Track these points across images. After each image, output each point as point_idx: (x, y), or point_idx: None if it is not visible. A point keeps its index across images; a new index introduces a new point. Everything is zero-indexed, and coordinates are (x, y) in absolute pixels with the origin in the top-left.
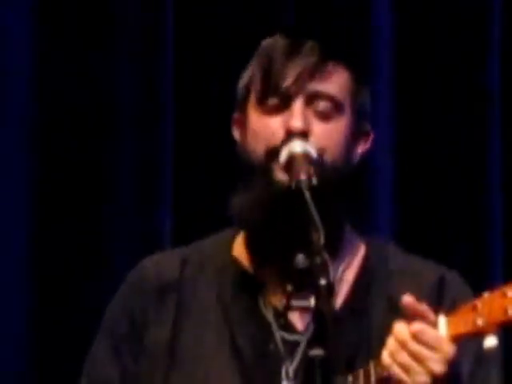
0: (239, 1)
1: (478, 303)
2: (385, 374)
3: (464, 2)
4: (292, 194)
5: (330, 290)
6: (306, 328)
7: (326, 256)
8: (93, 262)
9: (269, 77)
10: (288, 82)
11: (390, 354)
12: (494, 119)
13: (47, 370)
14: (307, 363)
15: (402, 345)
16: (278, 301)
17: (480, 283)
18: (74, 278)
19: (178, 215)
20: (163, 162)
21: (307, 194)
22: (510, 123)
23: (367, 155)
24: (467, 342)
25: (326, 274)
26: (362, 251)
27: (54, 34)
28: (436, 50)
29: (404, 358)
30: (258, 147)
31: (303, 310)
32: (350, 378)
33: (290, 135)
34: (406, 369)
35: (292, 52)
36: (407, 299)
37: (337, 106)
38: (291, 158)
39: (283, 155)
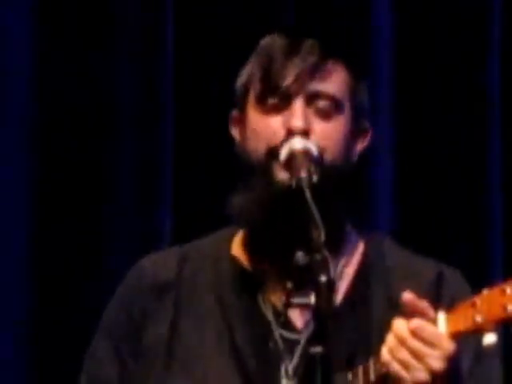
0: (239, 1)
1: (477, 300)
2: (384, 370)
3: (464, 2)
4: (292, 192)
5: (331, 286)
6: (306, 326)
7: (327, 253)
8: (93, 262)
9: (268, 76)
10: (288, 81)
11: (390, 351)
12: (494, 119)
13: (47, 369)
14: (307, 361)
15: (402, 341)
16: (277, 299)
17: (480, 283)
18: (74, 278)
19: (178, 215)
20: (163, 161)
21: (307, 192)
22: (509, 123)
23: (367, 155)
24: (467, 338)
25: (327, 271)
26: (360, 249)
27: (53, 34)
28: (436, 49)
29: (403, 354)
30: (258, 147)
31: (303, 307)
32: (350, 375)
33: (290, 133)
34: (405, 365)
35: (291, 51)
36: (407, 296)
37: (337, 105)
38: (291, 155)
39: (284, 152)
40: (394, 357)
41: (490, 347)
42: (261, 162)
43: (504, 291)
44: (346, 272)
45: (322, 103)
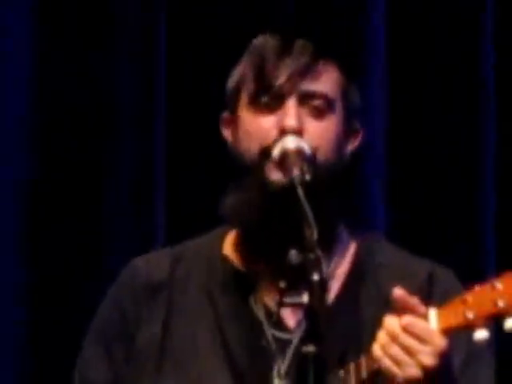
0: (238, 1)
1: (468, 296)
2: (376, 367)
3: (458, 1)
4: (285, 192)
5: (323, 285)
6: (298, 325)
7: (319, 252)
8: (91, 262)
9: (261, 76)
10: (281, 81)
11: (381, 347)
12: (489, 119)
13: (46, 369)
14: (299, 361)
15: (393, 337)
16: (269, 299)
17: (473, 281)
18: (73, 278)
19: (174, 215)
20: (160, 162)
21: (300, 190)
22: (503, 123)
23: (360, 154)
24: (459, 335)
25: (319, 270)
26: (352, 249)
27: (53, 34)
28: (431, 48)
29: (395, 350)
30: (251, 147)
31: (296, 306)
32: (342, 373)
33: (283, 133)
34: (396, 361)
35: (284, 51)
36: (398, 292)
37: (329, 105)
38: (284, 154)
39: (276, 151)
40: (385, 353)
41: (482, 343)
42: (254, 162)
43: (494, 287)
44: (338, 272)
45: (314, 103)
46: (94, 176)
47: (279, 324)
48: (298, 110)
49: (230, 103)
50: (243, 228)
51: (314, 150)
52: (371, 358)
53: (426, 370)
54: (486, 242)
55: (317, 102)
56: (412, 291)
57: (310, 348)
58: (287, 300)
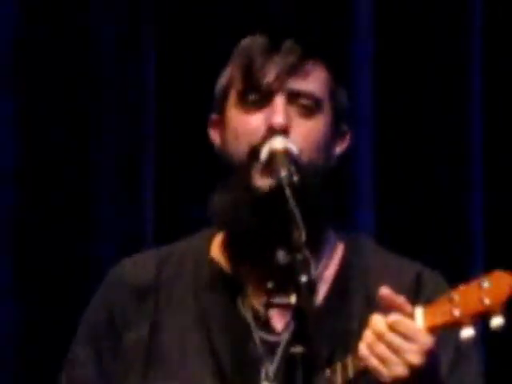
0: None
1: (455, 294)
2: (362, 366)
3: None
4: (271, 197)
5: (312, 286)
6: (286, 328)
7: (307, 253)
8: (79, 260)
9: (249, 74)
10: (269, 78)
11: (368, 346)
12: (475, 119)
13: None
14: (287, 363)
15: (379, 336)
16: (257, 302)
17: (461, 281)
18: (59, 276)
19: (160, 214)
20: (145, 161)
21: (288, 191)
22: (491, 122)
23: (348, 155)
24: (446, 333)
25: (307, 271)
26: (340, 251)
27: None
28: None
29: (381, 349)
30: (239, 146)
31: (283, 307)
32: (328, 372)
33: (271, 131)
34: (383, 360)
35: (272, 50)
36: (384, 291)
37: (317, 104)
38: (272, 155)
39: (264, 152)
40: (371, 352)
41: (468, 341)
42: (241, 163)
43: (481, 285)
44: (325, 273)
45: (302, 102)
46: (79, 175)
47: (267, 327)
48: (285, 107)
49: (218, 104)
50: (230, 230)
51: (301, 150)
52: (358, 357)
53: (412, 369)
54: (474, 243)
55: (304, 101)
56: (399, 292)
57: (298, 349)
58: (275, 301)
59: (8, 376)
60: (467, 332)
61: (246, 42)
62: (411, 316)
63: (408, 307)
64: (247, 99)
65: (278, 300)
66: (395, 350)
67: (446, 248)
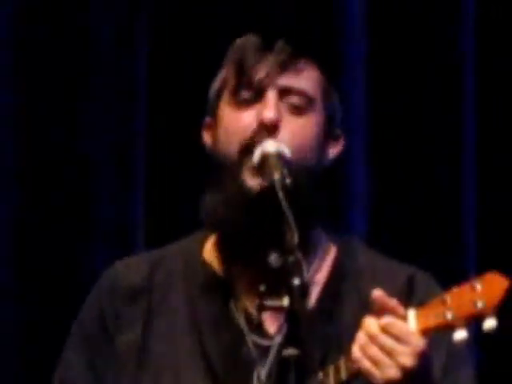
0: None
1: (447, 297)
2: (355, 368)
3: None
4: (262, 198)
5: (304, 289)
6: (279, 331)
7: (300, 255)
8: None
9: (242, 71)
10: (261, 75)
11: (360, 348)
12: (468, 115)
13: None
14: (280, 366)
15: (372, 338)
16: (249, 305)
17: (453, 283)
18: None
19: (150, 204)
20: (136, 152)
21: (280, 194)
22: (483, 121)
23: (339, 162)
24: (439, 336)
25: (300, 273)
26: (332, 253)
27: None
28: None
29: (374, 351)
30: (231, 144)
31: (276, 310)
32: (321, 375)
33: (262, 126)
34: (375, 362)
35: (264, 48)
36: (377, 293)
37: (308, 101)
38: (264, 158)
39: (256, 155)
40: (364, 354)
41: (461, 344)
42: (233, 161)
43: (474, 288)
44: (318, 276)
45: (293, 98)
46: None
47: (260, 330)
48: (277, 103)
49: (211, 107)
50: (221, 230)
51: (292, 148)
52: (350, 359)
53: (405, 371)
54: (466, 245)
55: (296, 99)
56: (392, 295)
57: (291, 351)
58: (267, 304)
59: (8, 376)
60: (460, 334)
61: (239, 41)
62: (404, 318)
63: (401, 309)
64: (239, 96)
65: (270, 303)
66: (388, 353)
67: (440, 250)
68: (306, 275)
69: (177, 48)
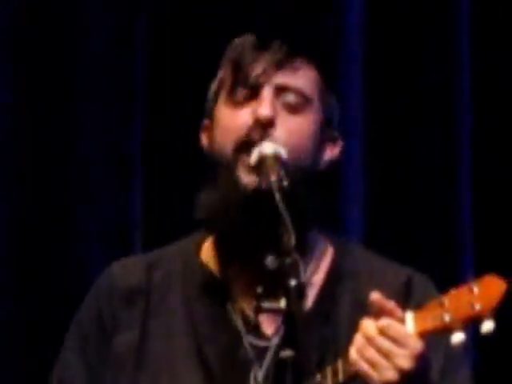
0: None
1: (445, 299)
2: (353, 370)
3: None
4: (258, 196)
5: (301, 290)
6: (276, 332)
7: (297, 257)
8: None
9: (238, 69)
10: (257, 72)
11: (358, 350)
12: (464, 123)
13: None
14: (276, 367)
15: (369, 340)
16: (246, 306)
17: (451, 285)
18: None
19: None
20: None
21: (278, 196)
22: (479, 125)
23: (337, 164)
24: (437, 338)
25: (297, 275)
26: (329, 254)
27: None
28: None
29: (371, 353)
30: (227, 143)
31: (273, 312)
32: (318, 377)
33: (257, 123)
34: (373, 364)
35: (261, 48)
36: (375, 296)
37: (305, 100)
38: (262, 160)
39: (253, 157)
40: (362, 356)
41: (459, 346)
42: (228, 159)
43: (471, 290)
44: (315, 277)
45: (290, 97)
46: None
47: (257, 331)
48: (272, 100)
49: (209, 109)
50: (218, 229)
51: (288, 147)
52: (348, 361)
53: (402, 373)
54: (464, 247)
55: (292, 97)
56: (389, 296)
57: (288, 353)
58: (264, 305)
59: (8, 376)
60: (458, 337)
61: (236, 41)
62: (402, 321)
63: (398, 312)
64: (236, 94)
65: (267, 305)
66: (385, 355)
67: (437, 252)
68: (303, 277)
69: (177, 48)
